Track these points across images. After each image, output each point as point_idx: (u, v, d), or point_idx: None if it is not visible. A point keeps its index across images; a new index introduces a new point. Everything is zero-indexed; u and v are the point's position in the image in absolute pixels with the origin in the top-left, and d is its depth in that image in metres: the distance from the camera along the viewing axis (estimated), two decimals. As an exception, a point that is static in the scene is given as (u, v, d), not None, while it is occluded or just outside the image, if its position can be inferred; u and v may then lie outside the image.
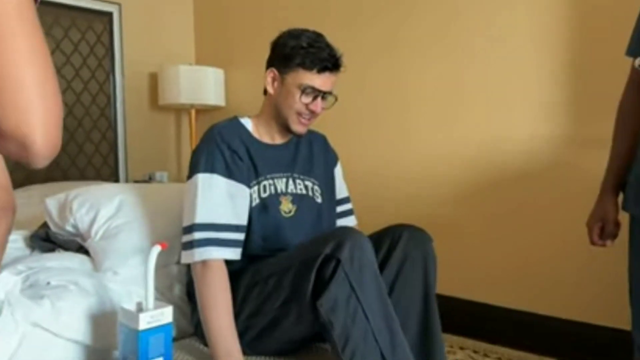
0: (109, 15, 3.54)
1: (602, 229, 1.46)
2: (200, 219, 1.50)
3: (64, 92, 3.35)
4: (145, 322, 1.34)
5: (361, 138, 3.14)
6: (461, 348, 2.62)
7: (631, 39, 1.44)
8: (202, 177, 1.53)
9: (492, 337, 2.68)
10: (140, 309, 1.37)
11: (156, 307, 1.39)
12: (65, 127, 3.38)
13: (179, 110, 3.88)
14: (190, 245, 1.50)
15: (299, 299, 1.38)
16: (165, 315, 1.40)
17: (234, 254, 1.53)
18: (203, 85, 3.59)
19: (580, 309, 2.46)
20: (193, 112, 3.77)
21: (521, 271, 2.64)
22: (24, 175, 3.18)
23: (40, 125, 0.62)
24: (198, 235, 1.50)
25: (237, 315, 1.52)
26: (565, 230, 2.48)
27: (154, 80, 3.74)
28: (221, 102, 3.68)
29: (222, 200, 1.54)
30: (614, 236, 1.47)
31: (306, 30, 1.62)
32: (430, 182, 2.90)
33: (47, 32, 3.27)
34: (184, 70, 3.53)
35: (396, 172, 3.03)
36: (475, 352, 2.59)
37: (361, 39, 3.11)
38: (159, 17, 3.79)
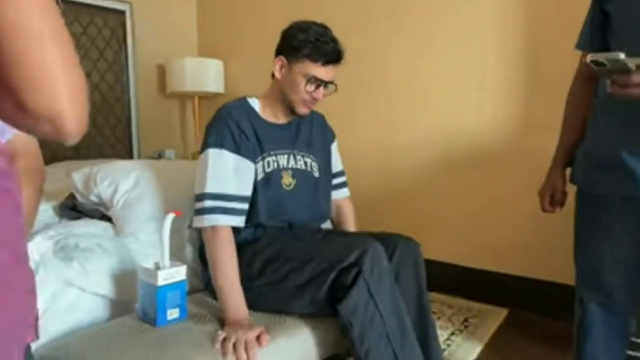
0: (122, 13, 3.53)
1: (552, 197, 1.53)
2: (210, 188, 1.49)
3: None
4: (162, 279, 1.37)
5: (359, 122, 3.14)
6: (432, 301, 2.68)
7: (581, 34, 1.44)
8: (212, 152, 1.51)
9: (458, 292, 2.76)
10: (158, 267, 1.39)
11: (172, 266, 1.41)
12: (89, 114, 3.43)
13: (184, 97, 3.89)
14: (202, 211, 1.48)
15: (315, 289, 1.38)
16: (180, 273, 1.42)
17: (239, 221, 1.52)
18: (205, 75, 3.59)
19: (531, 267, 2.53)
20: (196, 98, 3.78)
21: (481, 235, 2.70)
22: (50, 153, 3.14)
23: (69, 105, 0.60)
24: (208, 203, 1.48)
25: (251, 279, 1.51)
26: (518, 200, 2.53)
27: (162, 71, 3.76)
28: (221, 89, 3.69)
29: (230, 173, 1.51)
30: (562, 204, 1.54)
31: (314, 24, 1.60)
32: (410, 158, 2.94)
33: (68, 28, 3.28)
34: (189, 61, 3.55)
35: (384, 150, 3.06)
36: (441, 303, 2.65)
37: (350, 42, 3.11)
38: (166, 15, 3.79)
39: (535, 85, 2.47)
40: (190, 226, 1.74)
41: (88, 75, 3.40)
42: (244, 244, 1.57)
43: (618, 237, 1.30)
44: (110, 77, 3.55)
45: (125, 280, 1.57)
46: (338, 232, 1.75)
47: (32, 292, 0.69)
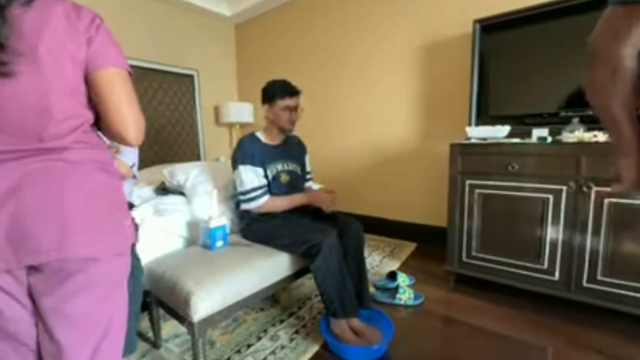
0: (192, 76, 3.57)
1: None
2: (248, 186, 1.51)
3: (171, 118, 3.40)
4: (212, 224, 1.43)
5: (323, 136, 3.16)
6: (373, 240, 2.72)
7: None
8: (241, 167, 1.52)
9: (387, 234, 2.81)
10: (210, 218, 1.44)
11: (218, 217, 1.47)
12: (173, 137, 3.45)
13: (230, 125, 3.89)
14: (249, 200, 1.51)
15: (293, 249, 1.41)
16: (222, 220, 1.47)
17: (267, 196, 1.53)
18: (242, 112, 3.61)
19: (428, 217, 2.59)
20: (237, 126, 3.80)
21: (400, 199, 2.74)
22: (159, 158, 3.27)
23: (133, 131, 0.70)
24: (252, 194, 1.51)
25: (259, 227, 1.53)
26: (416, 179, 2.60)
27: (217, 110, 3.77)
28: (251, 120, 3.70)
29: (253, 176, 1.52)
30: None
31: (277, 80, 1.58)
32: (354, 158, 2.96)
33: (159, 87, 3.27)
34: (232, 104, 3.57)
35: (338, 153, 3.07)
36: (378, 241, 2.71)
37: (320, 81, 3.13)
38: (218, 76, 3.79)
39: (428, 114, 2.51)
40: (233, 197, 1.73)
41: (174, 113, 3.44)
42: (262, 214, 1.57)
43: None
44: (186, 114, 3.57)
45: (193, 227, 1.61)
46: (316, 217, 1.63)
47: (133, 220, 0.79)
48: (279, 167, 1.62)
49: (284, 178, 1.62)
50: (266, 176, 1.57)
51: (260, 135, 1.63)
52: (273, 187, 1.58)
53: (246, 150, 1.54)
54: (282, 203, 1.55)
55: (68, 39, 0.62)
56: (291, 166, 1.67)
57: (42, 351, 0.65)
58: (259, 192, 1.52)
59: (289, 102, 1.53)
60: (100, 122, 0.71)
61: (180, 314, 1.16)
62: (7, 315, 0.63)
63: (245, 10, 3.51)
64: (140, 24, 3.09)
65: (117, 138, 0.71)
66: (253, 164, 1.53)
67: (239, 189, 1.53)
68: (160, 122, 3.34)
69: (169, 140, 3.44)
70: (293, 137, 1.76)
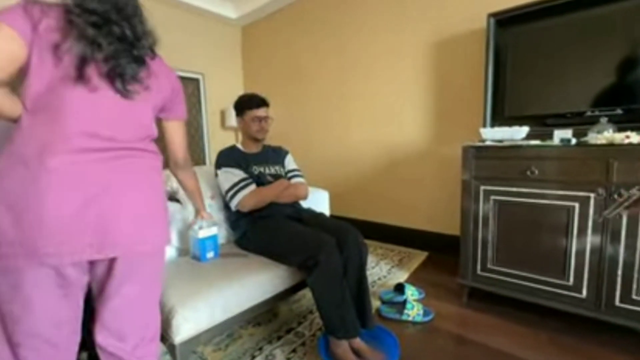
0: (198, 80, 3.55)
1: None
2: (231, 183, 1.53)
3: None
4: (202, 234, 1.36)
5: (328, 136, 3.10)
6: (381, 247, 2.64)
7: None
8: (220, 171, 1.58)
9: (397, 242, 2.71)
10: (200, 227, 1.37)
11: (207, 226, 1.38)
12: None
13: (236, 129, 3.85)
14: (236, 193, 1.51)
15: (291, 259, 1.34)
16: (212, 230, 1.40)
17: (254, 185, 1.54)
18: None
19: (440, 225, 2.48)
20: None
21: (410, 205, 2.64)
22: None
23: (186, 153, 1.10)
24: (235, 188, 1.51)
25: (254, 235, 1.48)
26: (428, 184, 2.49)
27: (222, 114, 3.74)
28: None
29: (232, 175, 1.54)
30: None
31: (246, 93, 1.70)
32: (360, 160, 2.88)
33: None
34: (238, 107, 3.55)
35: (344, 154, 2.99)
36: (386, 249, 2.62)
37: (327, 81, 3.07)
38: (224, 79, 3.76)
39: (439, 115, 2.40)
40: (226, 208, 1.69)
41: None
42: (257, 218, 1.53)
43: None
44: (192, 118, 3.56)
45: (186, 236, 1.54)
46: (313, 223, 1.54)
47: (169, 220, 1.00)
48: (261, 169, 1.65)
49: (268, 180, 1.63)
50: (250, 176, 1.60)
51: (239, 145, 1.71)
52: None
53: (224, 158, 1.61)
54: (267, 192, 1.55)
55: (167, 84, 0.90)
56: (272, 169, 1.69)
57: (100, 332, 0.80)
58: (242, 184, 1.53)
59: (257, 112, 1.63)
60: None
61: (162, 334, 1.06)
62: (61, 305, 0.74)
63: (251, 12, 3.45)
64: (145, 27, 3.06)
65: (171, 157, 1.09)
66: (231, 165, 1.58)
67: (224, 191, 1.55)
68: (165, 126, 3.32)
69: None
70: (270, 145, 1.81)
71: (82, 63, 0.70)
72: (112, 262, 0.77)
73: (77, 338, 0.79)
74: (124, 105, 0.77)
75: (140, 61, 0.79)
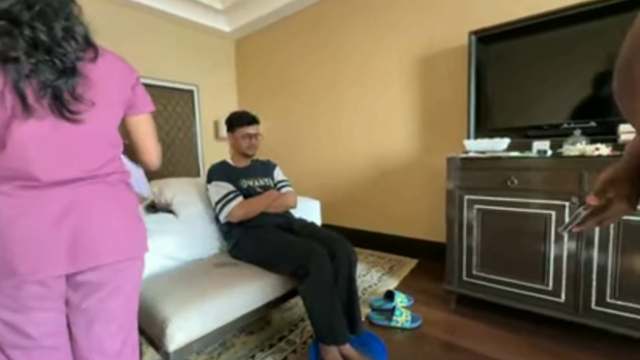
0: (192, 91, 3.58)
1: None
2: (220, 195, 1.57)
3: (170, 132, 3.41)
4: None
5: (319, 147, 3.14)
6: (371, 255, 2.67)
7: None
8: (210, 185, 1.63)
9: (387, 250, 2.75)
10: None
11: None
12: (172, 151, 3.43)
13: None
14: (225, 204, 1.55)
15: (282, 268, 1.37)
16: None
17: (241, 197, 1.58)
18: None
19: (428, 233, 2.52)
20: None
21: (399, 214, 2.68)
22: (157, 173, 3.22)
23: (154, 157, 0.88)
24: (224, 200, 1.55)
25: (246, 245, 1.50)
26: (416, 193, 2.54)
27: (216, 124, 3.77)
28: None
29: (221, 188, 1.59)
30: None
31: (237, 111, 1.74)
32: (351, 170, 2.92)
33: (158, 102, 3.26)
34: (231, 118, 3.58)
35: (335, 165, 3.03)
36: (377, 256, 2.64)
37: (318, 93, 3.13)
38: (218, 90, 3.80)
39: (426, 127, 2.46)
40: (216, 220, 1.71)
41: (173, 127, 3.44)
42: (249, 228, 1.57)
43: None
44: (185, 128, 3.58)
45: (180, 247, 1.57)
46: (304, 233, 1.57)
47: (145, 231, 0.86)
48: (250, 182, 1.69)
49: (257, 192, 1.67)
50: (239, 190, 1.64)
51: (229, 160, 1.77)
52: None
53: (214, 173, 1.66)
54: (257, 202, 1.59)
55: (123, 86, 0.76)
56: (262, 181, 1.74)
57: (78, 347, 0.76)
58: (230, 196, 1.58)
59: (247, 130, 1.68)
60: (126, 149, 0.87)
61: (156, 343, 1.09)
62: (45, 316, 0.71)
63: (244, 25, 3.53)
64: (140, 41, 3.11)
65: (142, 162, 0.89)
66: (220, 179, 1.63)
67: (213, 203, 1.60)
68: (159, 136, 3.31)
69: (168, 155, 3.43)
70: (258, 159, 1.86)
71: (17, 90, 0.58)
72: (89, 274, 0.73)
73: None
74: (78, 132, 0.66)
75: (69, 73, 0.63)
